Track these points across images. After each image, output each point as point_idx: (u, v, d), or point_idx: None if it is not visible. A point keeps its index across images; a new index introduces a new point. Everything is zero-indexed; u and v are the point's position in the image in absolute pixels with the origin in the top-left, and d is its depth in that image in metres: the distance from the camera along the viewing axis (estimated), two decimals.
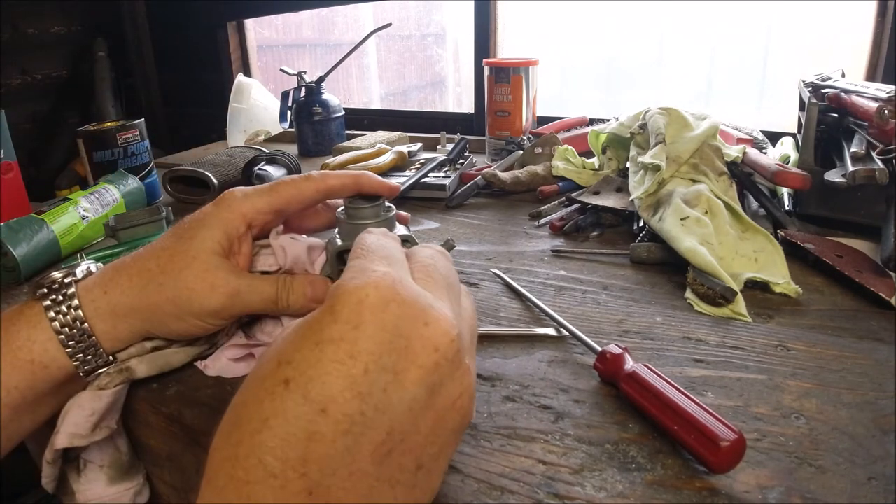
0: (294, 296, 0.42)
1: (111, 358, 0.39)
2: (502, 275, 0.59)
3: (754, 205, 0.73)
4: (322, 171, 0.44)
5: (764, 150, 0.86)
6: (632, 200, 0.69)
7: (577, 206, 0.76)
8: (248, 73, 1.62)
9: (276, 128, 1.31)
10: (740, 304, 0.50)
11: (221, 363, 0.44)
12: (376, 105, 1.67)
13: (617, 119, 0.84)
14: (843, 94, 0.69)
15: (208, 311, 0.39)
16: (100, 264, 0.42)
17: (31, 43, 1.56)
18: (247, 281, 0.41)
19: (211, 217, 0.40)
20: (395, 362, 0.24)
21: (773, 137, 0.90)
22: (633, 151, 0.75)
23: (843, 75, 0.79)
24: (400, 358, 0.24)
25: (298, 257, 0.45)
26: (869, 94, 0.64)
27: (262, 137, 1.34)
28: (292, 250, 0.45)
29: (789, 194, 0.72)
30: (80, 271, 0.40)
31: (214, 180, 0.89)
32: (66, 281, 0.38)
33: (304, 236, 0.47)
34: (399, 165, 0.96)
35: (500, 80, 1.05)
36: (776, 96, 1.13)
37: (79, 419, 0.37)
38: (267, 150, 0.96)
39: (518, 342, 0.47)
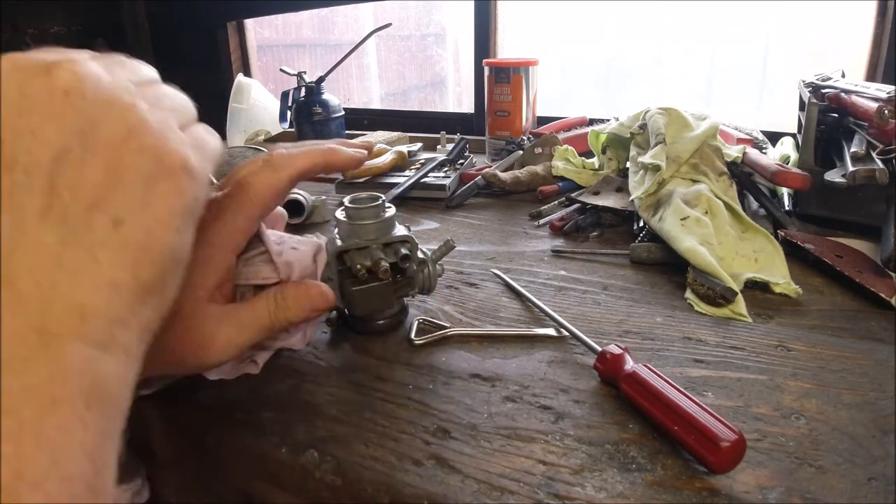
0: (291, 312, 0.37)
1: None
2: (502, 275, 0.59)
3: (754, 205, 0.73)
4: (284, 153, 0.38)
5: (764, 150, 0.86)
6: (632, 200, 0.69)
7: (577, 206, 0.76)
8: (248, 73, 1.62)
9: (276, 128, 1.31)
10: (740, 305, 0.50)
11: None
12: (376, 105, 1.67)
13: (617, 119, 0.84)
14: (843, 94, 0.69)
15: (206, 367, 0.35)
16: None
17: (31, 43, 1.56)
18: (238, 322, 0.35)
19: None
20: (28, 123, 0.21)
21: (773, 137, 0.90)
22: (633, 151, 0.75)
23: (843, 75, 0.79)
24: (29, 118, 0.22)
25: (306, 269, 0.42)
26: (869, 94, 0.64)
27: (262, 137, 1.34)
28: (300, 264, 0.41)
29: (789, 194, 0.72)
30: None
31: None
32: None
33: (303, 237, 0.45)
34: (399, 165, 0.96)
35: (500, 80, 1.05)
36: (776, 96, 1.13)
37: None
38: (267, 151, 0.96)
39: (518, 342, 0.47)
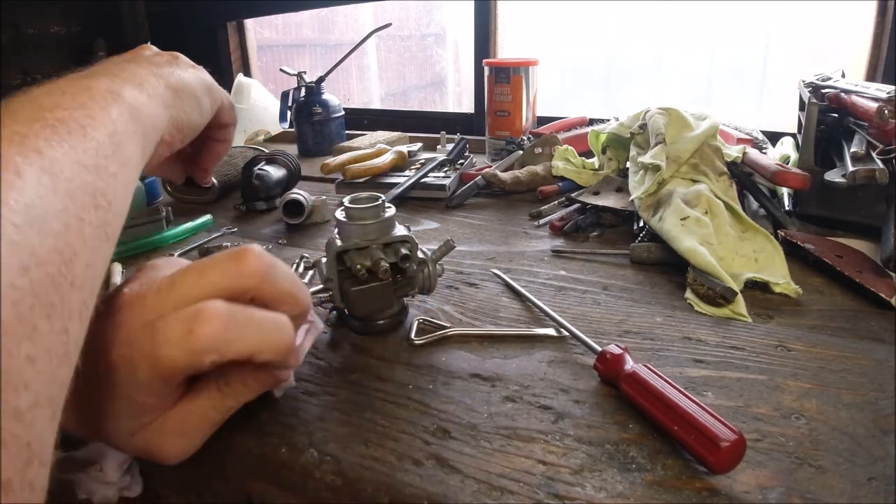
0: (241, 394, 0.33)
1: None
2: (502, 275, 0.59)
3: (754, 205, 0.73)
4: (218, 334, 0.27)
5: (764, 150, 0.86)
6: (632, 200, 0.69)
7: (577, 206, 0.76)
8: (248, 73, 1.62)
9: (276, 128, 1.31)
10: (740, 305, 0.50)
11: None
12: (376, 105, 1.67)
13: (617, 119, 0.84)
14: (843, 94, 0.69)
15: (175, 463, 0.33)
16: None
17: (31, 43, 1.56)
18: (182, 429, 0.32)
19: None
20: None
21: (773, 137, 0.90)
22: (633, 151, 0.75)
23: (843, 75, 0.79)
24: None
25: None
26: (869, 94, 0.64)
27: (262, 137, 1.34)
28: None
29: (789, 194, 0.72)
30: None
31: (214, 180, 0.89)
32: None
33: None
34: (399, 165, 0.96)
35: (500, 80, 1.05)
36: (776, 96, 1.13)
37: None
38: (267, 150, 0.96)
39: (518, 342, 0.47)
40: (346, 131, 1.29)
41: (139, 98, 0.32)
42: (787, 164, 0.76)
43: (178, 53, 0.41)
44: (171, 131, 0.36)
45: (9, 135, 0.23)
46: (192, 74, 0.39)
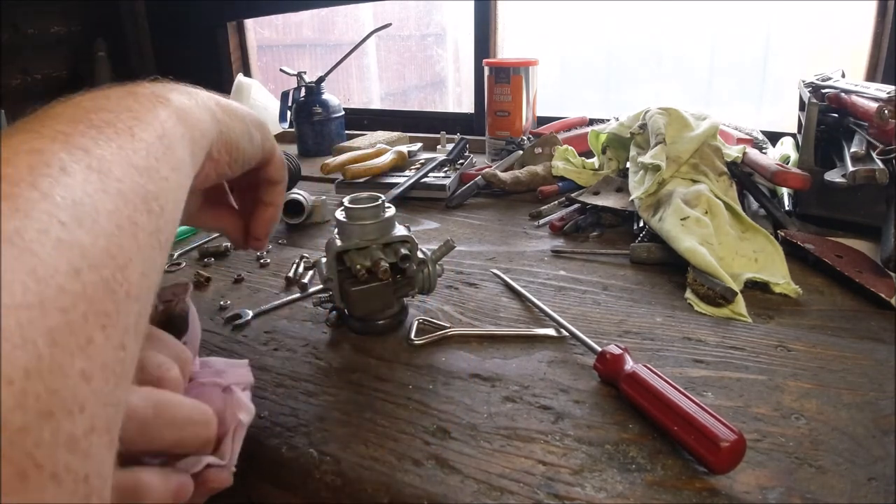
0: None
1: None
2: (502, 275, 0.58)
3: (754, 205, 0.73)
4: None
5: (764, 150, 0.86)
6: (632, 200, 0.69)
7: (577, 206, 0.76)
8: (248, 73, 1.62)
9: (276, 128, 1.31)
10: (740, 305, 0.50)
11: None
12: (376, 105, 1.67)
13: (617, 119, 0.84)
14: (843, 94, 0.69)
15: None
16: None
17: (31, 43, 1.56)
18: None
19: None
20: None
21: (773, 137, 0.90)
22: (633, 151, 0.75)
23: (843, 75, 0.79)
24: None
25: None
26: (869, 94, 0.64)
27: None
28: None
29: (789, 194, 0.72)
30: None
31: None
32: None
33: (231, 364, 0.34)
34: (399, 165, 0.96)
35: (500, 80, 1.05)
36: (776, 96, 1.13)
37: None
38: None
39: (518, 342, 0.47)
40: (346, 131, 1.29)
41: (186, 103, 0.30)
42: (787, 164, 0.76)
43: None
44: (219, 147, 0.32)
45: (52, 133, 0.21)
46: (243, 106, 0.37)
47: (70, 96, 0.25)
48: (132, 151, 0.23)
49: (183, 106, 0.29)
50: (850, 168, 0.59)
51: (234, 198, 0.44)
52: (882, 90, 0.63)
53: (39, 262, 0.16)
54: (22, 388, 0.14)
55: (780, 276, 0.54)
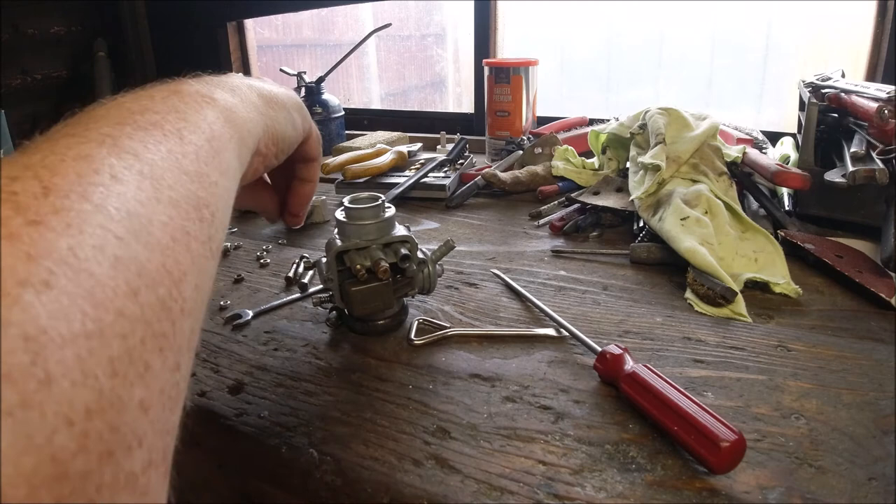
0: None
1: None
2: (502, 275, 0.58)
3: (754, 205, 0.73)
4: None
5: (764, 150, 0.86)
6: (632, 200, 0.69)
7: (576, 206, 0.76)
8: (248, 74, 1.62)
9: None
10: (740, 305, 0.50)
11: None
12: (376, 105, 1.67)
13: (617, 119, 0.84)
14: (843, 94, 0.69)
15: None
16: None
17: (31, 43, 1.56)
18: None
19: None
20: None
21: (773, 137, 0.90)
22: (632, 151, 0.75)
23: (843, 75, 0.79)
24: None
25: None
26: (869, 94, 0.64)
27: None
28: None
29: (789, 194, 0.72)
30: None
31: None
32: None
33: None
34: (399, 165, 0.96)
35: (500, 80, 1.05)
36: (776, 96, 1.13)
37: None
38: None
39: (518, 342, 0.47)
40: (346, 131, 1.29)
41: (232, 101, 0.28)
42: (787, 164, 0.76)
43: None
44: (266, 142, 0.32)
45: (98, 137, 0.19)
46: (281, 89, 0.36)
47: (113, 97, 0.23)
48: (181, 155, 0.22)
49: (229, 105, 0.28)
50: (850, 168, 0.59)
51: (268, 175, 0.43)
52: (882, 90, 0.63)
53: (97, 283, 0.15)
54: (83, 430, 0.13)
55: (780, 276, 0.54)
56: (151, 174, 0.19)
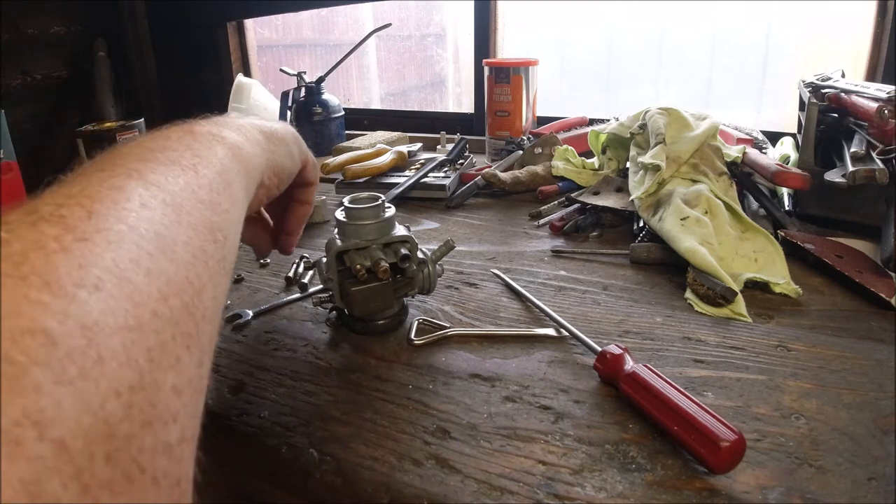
0: None
1: None
2: (502, 275, 0.58)
3: (754, 205, 0.73)
4: None
5: (764, 150, 0.86)
6: (632, 200, 0.69)
7: (577, 206, 0.76)
8: (248, 74, 1.62)
9: None
10: (740, 305, 0.50)
11: None
12: (376, 105, 1.67)
13: (617, 119, 0.84)
14: (843, 94, 0.69)
15: None
16: None
17: (31, 43, 1.56)
18: None
19: None
20: None
21: (773, 137, 0.90)
22: (632, 151, 0.75)
23: (843, 75, 0.79)
24: None
25: None
26: (869, 94, 0.64)
27: None
28: None
29: (789, 194, 0.72)
30: None
31: None
32: None
33: None
34: (399, 165, 0.96)
35: (500, 80, 1.05)
36: (776, 96, 1.13)
37: None
38: None
39: (518, 342, 0.47)
40: (346, 131, 1.29)
41: (238, 139, 0.33)
42: (787, 164, 0.76)
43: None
44: (268, 174, 0.37)
45: (126, 171, 0.23)
46: (279, 125, 0.41)
47: (128, 141, 0.28)
48: (197, 187, 0.25)
49: (236, 143, 0.32)
50: (850, 168, 0.59)
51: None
52: (882, 90, 0.63)
53: (135, 289, 0.18)
54: (128, 401, 0.16)
55: (780, 276, 0.54)
56: (173, 202, 0.23)
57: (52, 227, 0.18)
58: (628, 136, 0.77)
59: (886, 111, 0.58)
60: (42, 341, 0.14)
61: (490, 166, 0.94)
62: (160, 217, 0.21)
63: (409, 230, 0.48)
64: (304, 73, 1.25)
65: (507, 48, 1.30)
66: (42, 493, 0.13)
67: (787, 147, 0.84)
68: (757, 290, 0.54)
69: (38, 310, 0.15)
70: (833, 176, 0.61)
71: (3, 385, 0.13)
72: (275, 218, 0.49)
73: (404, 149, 1.00)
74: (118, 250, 0.18)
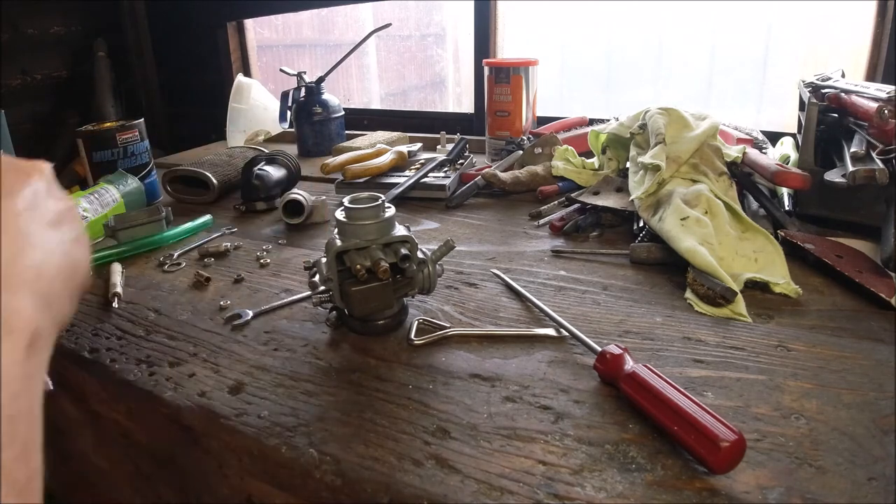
0: None
1: None
2: (502, 275, 0.58)
3: (754, 205, 0.73)
4: None
5: (764, 150, 0.86)
6: (632, 200, 0.69)
7: (576, 206, 0.76)
8: (247, 73, 1.62)
9: (276, 128, 1.31)
10: (740, 305, 0.50)
11: None
12: (376, 105, 1.67)
13: (617, 119, 0.84)
14: (843, 94, 0.69)
15: None
16: None
17: (31, 43, 1.56)
18: None
19: None
20: None
21: (773, 137, 0.90)
22: (632, 151, 0.75)
23: (843, 75, 0.79)
24: None
25: None
26: (869, 94, 0.64)
27: (261, 138, 1.34)
28: None
29: (789, 194, 0.72)
30: None
31: (214, 180, 0.89)
32: None
33: None
34: (399, 165, 0.96)
35: (500, 80, 1.05)
36: (776, 96, 1.13)
37: None
38: (267, 151, 0.96)
39: (518, 342, 0.47)
40: (346, 131, 1.29)
41: None
42: (787, 164, 0.76)
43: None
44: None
45: None
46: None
47: None
48: None
49: None
50: (850, 168, 0.59)
51: None
52: (882, 90, 0.63)
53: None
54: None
55: (780, 276, 0.54)
56: None
57: None
58: (628, 136, 0.77)
59: (886, 111, 0.58)
60: None
61: (490, 166, 0.94)
62: None
63: (409, 230, 0.48)
64: (304, 73, 1.25)
65: (507, 48, 1.30)
66: None
67: (787, 147, 0.84)
68: (757, 290, 0.54)
69: None
70: (833, 176, 0.61)
71: None
72: None
73: (404, 149, 1.00)
74: None
